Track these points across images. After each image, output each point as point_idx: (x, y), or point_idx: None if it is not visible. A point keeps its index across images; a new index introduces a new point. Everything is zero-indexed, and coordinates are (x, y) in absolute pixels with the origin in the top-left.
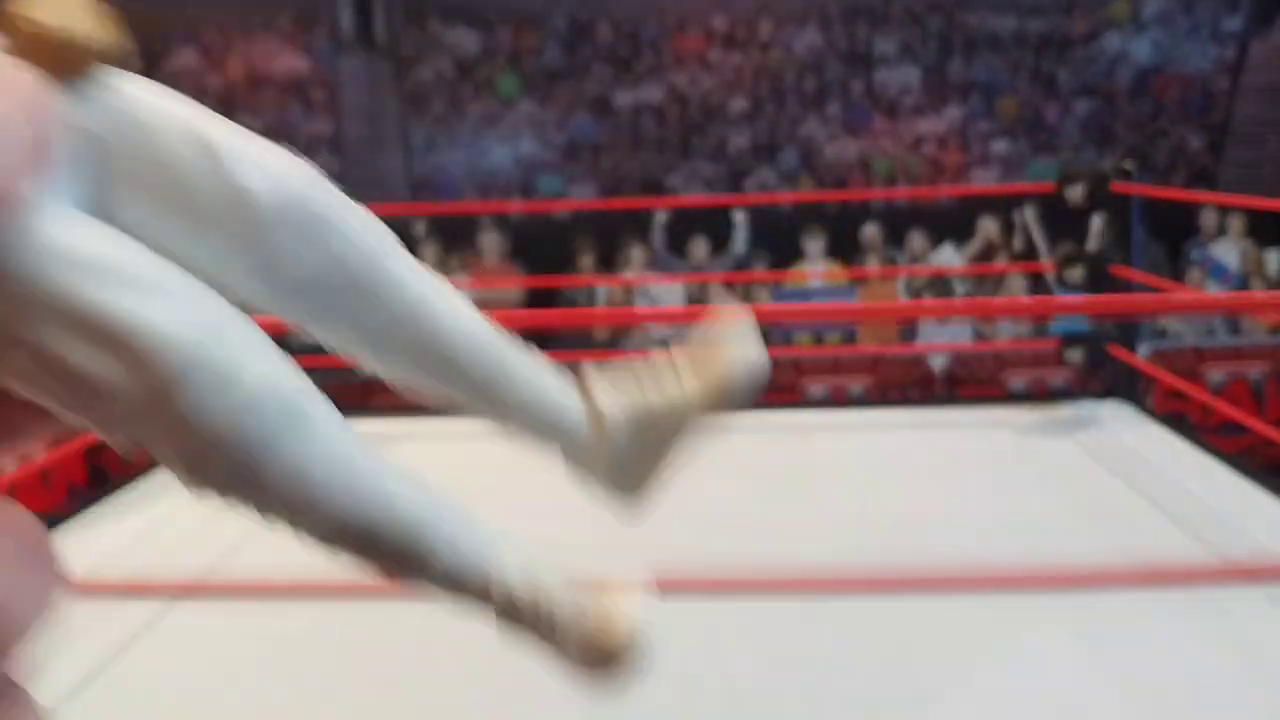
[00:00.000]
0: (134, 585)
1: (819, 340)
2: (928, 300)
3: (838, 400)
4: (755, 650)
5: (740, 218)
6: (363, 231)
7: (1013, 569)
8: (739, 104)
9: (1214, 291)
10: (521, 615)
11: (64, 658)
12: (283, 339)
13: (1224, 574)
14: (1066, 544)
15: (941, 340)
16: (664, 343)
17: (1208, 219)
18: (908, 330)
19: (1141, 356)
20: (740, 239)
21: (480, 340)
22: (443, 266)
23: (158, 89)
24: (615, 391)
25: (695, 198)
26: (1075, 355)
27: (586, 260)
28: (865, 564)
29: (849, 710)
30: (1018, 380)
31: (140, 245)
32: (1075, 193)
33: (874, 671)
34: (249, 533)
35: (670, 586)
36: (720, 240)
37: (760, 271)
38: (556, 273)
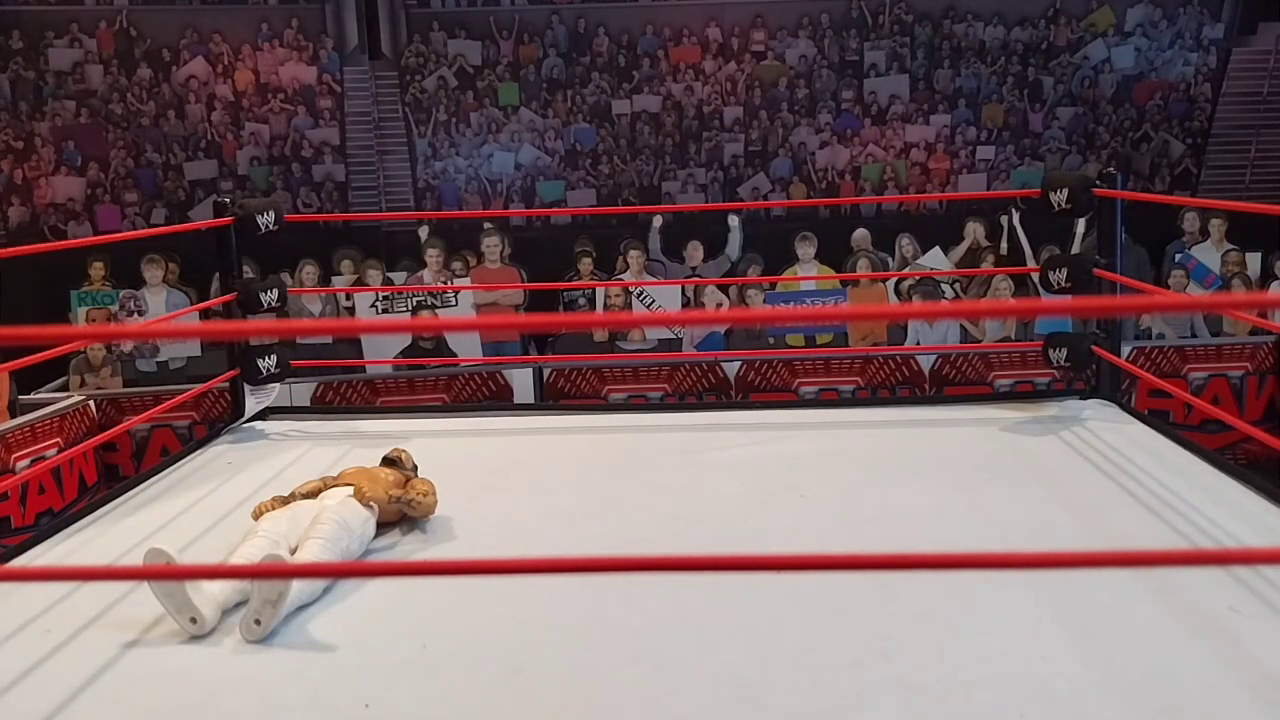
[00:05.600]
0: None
1: (811, 341)
2: (916, 302)
3: (829, 400)
4: (745, 636)
5: (734, 223)
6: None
7: (994, 554)
8: (733, 112)
9: (1196, 293)
10: None
11: (86, 642)
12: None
13: (1196, 560)
14: (1049, 536)
15: (930, 341)
16: (661, 344)
17: (1190, 222)
18: (897, 331)
19: (1124, 356)
20: (734, 243)
21: None
22: (446, 269)
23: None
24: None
25: (691, 204)
26: (1059, 355)
27: (585, 263)
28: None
29: (837, 693)
30: (1004, 379)
31: None
32: (1060, 197)
33: (860, 657)
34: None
35: (659, 568)
36: (715, 245)
37: (754, 275)
38: (556, 276)
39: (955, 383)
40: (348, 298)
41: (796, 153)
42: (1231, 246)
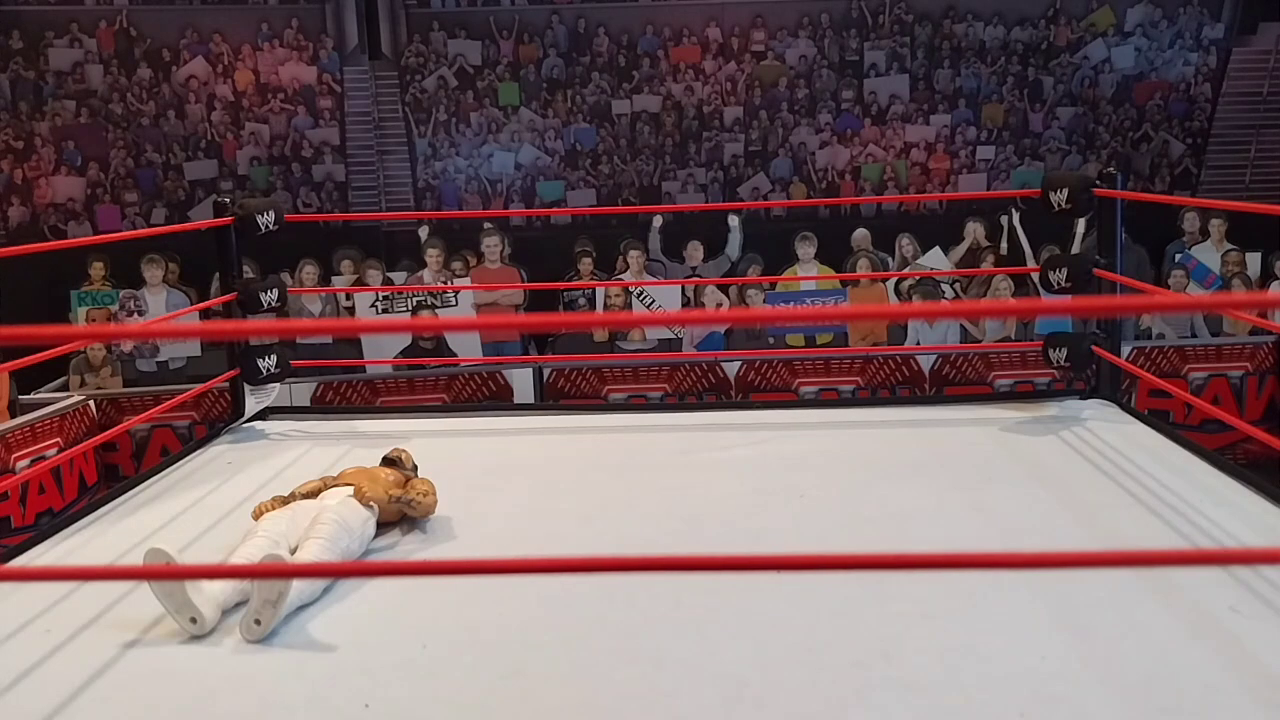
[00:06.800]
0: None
1: (811, 341)
2: (916, 302)
3: (829, 400)
4: (745, 636)
5: (734, 223)
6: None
7: (994, 554)
8: (733, 112)
9: (1196, 293)
10: None
11: (86, 642)
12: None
13: (1196, 560)
14: (1049, 536)
15: (930, 341)
16: (661, 344)
17: (1190, 222)
18: (897, 331)
19: (1124, 356)
20: (734, 243)
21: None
22: (446, 269)
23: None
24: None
25: (691, 204)
26: (1059, 355)
27: (585, 263)
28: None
29: (837, 693)
30: (1004, 379)
31: None
32: (1060, 197)
33: (860, 657)
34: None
35: (662, 568)
36: (715, 245)
37: (754, 275)
38: (556, 276)
39: (955, 383)
40: (348, 298)
41: (796, 153)
42: (1231, 246)
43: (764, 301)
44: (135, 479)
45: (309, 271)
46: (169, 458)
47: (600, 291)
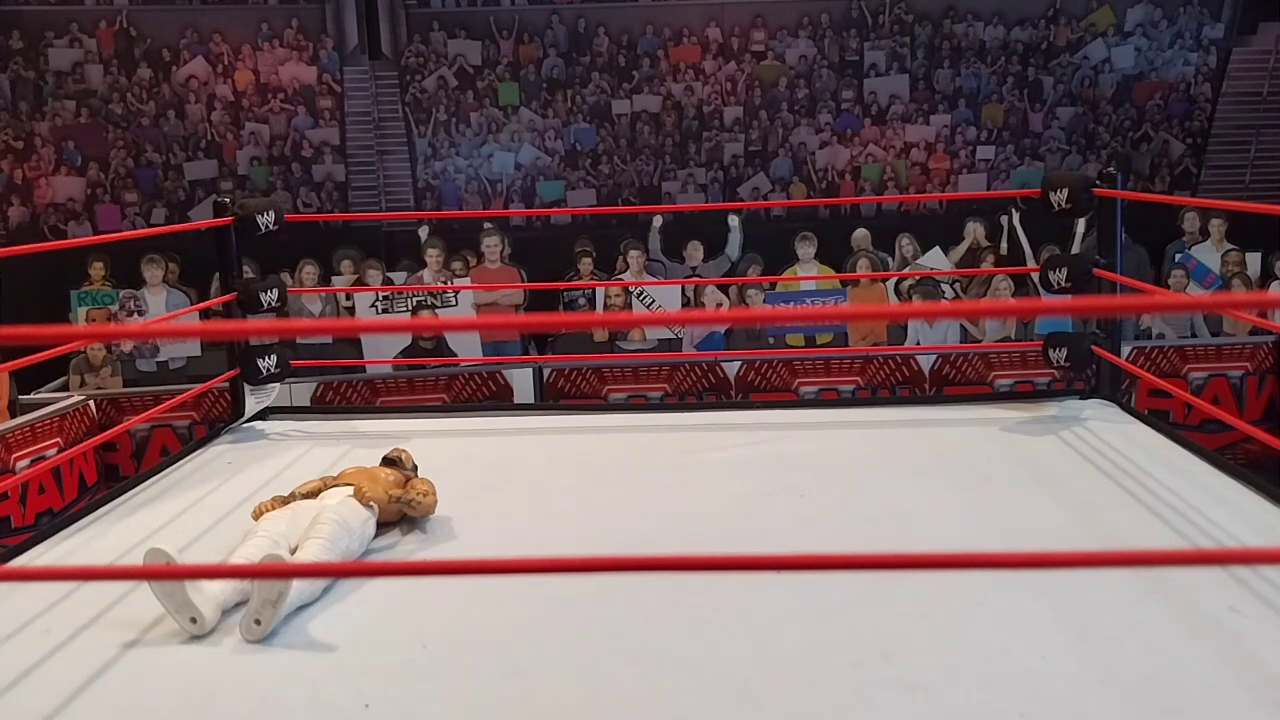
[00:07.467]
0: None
1: (811, 341)
2: (916, 302)
3: (829, 400)
4: (745, 637)
5: (734, 223)
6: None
7: (994, 554)
8: (733, 112)
9: (1196, 293)
10: None
11: (86, 642)
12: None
13: (1196, 560)
14: (1049, 536)
15: (930, 341)
16: (661, 343)
17: (1190, 222)
18: (897, 331)
19: (1124, 356)
20: (734, 243)
21: None
22: (446, 269)
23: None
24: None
25: (691, 204)
26: (1059, 355)
27: (585, 263)
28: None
29: (837, 693)
30: (1004, 379)
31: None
32: (1060, 197)
33: (860, 657)
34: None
35: (662, 568)
36: (715, 245)
37: (754, 275)
38: (556, 276)
39: (955, 383)
40: (348, 298)
41: (796, 153)
42: (1231, 246)
43: (764, 301)
44: (135, 479)
45: (309, 271)
46: (169, 458)
47: (600, 291)
